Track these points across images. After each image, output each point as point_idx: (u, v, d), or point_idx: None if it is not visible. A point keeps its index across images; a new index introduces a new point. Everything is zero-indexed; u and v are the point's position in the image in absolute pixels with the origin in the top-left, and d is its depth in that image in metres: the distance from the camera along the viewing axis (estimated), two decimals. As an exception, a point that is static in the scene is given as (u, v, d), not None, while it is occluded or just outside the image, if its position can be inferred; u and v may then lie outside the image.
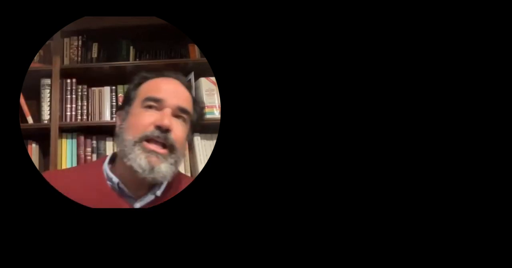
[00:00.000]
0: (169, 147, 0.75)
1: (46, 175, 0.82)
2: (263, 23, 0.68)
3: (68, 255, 0.61)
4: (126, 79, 1.86)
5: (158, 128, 0.74)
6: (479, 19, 0.61)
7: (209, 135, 1.76)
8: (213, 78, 1.78)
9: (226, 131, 0.70)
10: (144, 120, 0.76)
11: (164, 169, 0.74)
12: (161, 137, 0.74)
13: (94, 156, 1.80)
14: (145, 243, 0.62)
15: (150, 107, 0.77)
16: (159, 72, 0.85)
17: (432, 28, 0.63)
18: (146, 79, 0.83)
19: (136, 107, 0.79)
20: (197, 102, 0.85)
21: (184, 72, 1.79)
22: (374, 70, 0.64)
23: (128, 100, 0.82)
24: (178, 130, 0.77)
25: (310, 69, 0.66)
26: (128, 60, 1.89)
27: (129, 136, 0.75)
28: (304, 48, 0.66)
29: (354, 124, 0.63)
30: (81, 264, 0.60)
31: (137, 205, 0.78)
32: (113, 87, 1.86)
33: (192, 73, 1.80)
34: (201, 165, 1.70)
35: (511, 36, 0.60)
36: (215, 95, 1.77)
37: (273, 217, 0.62)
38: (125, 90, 0.88)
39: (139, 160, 0.73)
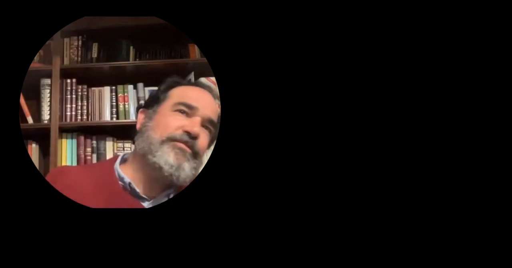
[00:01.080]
0: (194, 153, 0.75)
1: (57, 170, 0.82)
2: (263, 23, 0.68)
3: (68, 255, 0.61)
4: (126, 79, 1.89)
5: (187, 133, 0.74)
6: (479, 19, 0.61)
7: (209, 135, 1.75)
8: (213, 78, 1.78)
9: (226, 131, 0.70)
10: (174, 122, 0.76)
11: (187, 168, 0.74)
12: (189, 142, 0.74)
13: (94, 156, 1.80)
14: (145, 243, 0.62)
15: (181, 111, 0.77)
16: (194, 81, 0.86)
17: (432, 28, 0.63)
18: (177, 84, 0.83)
19: (165, 108, 0.79)
20: (219, 116, 0.84)
21: (184, 72, 1.80)
22: (374, 70, 0.64)
23: (156, 100, 0.81)
24: (204, 139, 0.78)
25: (310, 69, 0.66)
26: (128, 60, 1.90)
27: (156, 134, 0.75)
28: (304, 48, 0.66)
29: (354, 124, 0.63)
30: (81, 264, 0.60)
31: (150, 206, 0.77)
32: (113, 87, 1.86)
33: (192, 73, 1.80)
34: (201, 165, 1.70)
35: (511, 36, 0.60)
36: (215, 95, 1.77)
37: (273, 217, 0.62)
38: (155, 91, 0.87)
39: (167, 156, 0.73)
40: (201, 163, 0.78)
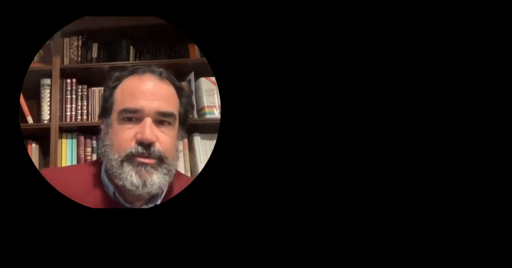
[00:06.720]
0: (157, 158, 0.71)
1: (43, 172, 0.81)
2: (263, 23, 0.68)
3: (67, 255, 0.61)
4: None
5: (140, 143, 0.70)
6: (479, 19, 0.61)
7: (209, 135, 1.76)
8: (213, 78, 1.78)
9: (226, 131, 0.70)
10: (124, 136, 0.71)
11: (157, 180, 0.71)
12: (145, 152, 0.70)
13: (94, 156, 1.80)
14: (145, 243, 0.62)
15: (128, 119, 0.72)
16: (132, 69, 0.78)
17: (432, 28, 0.63)
18: (120, 79, 0.77)
19: (114, 120, 0.74)
20: (182, 91, 0.79)
21: (184, 72, 1.80)
22: (373, 70, 0.64)
23: (106, 109, 0.76)
24: (164, 138, 0.72)
25: (310, 69, 0.66)
26: (128, 60, 1.89)
27: (114, 155, 0.72)
28: (304, 48, 0.66)
29: (354, 124, 0.63)
30: (80, 264, 0.60)
31: None
32: (113, 87, 1.86)
33: (192, 73, 1.80)
34: (201, 165, 1.70)
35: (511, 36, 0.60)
36: (215, 95, 1.77)
37: (273, 217, 0.62)
38: (102, 94, 0.81)
39: (130, 177, 0.70)
40: (174, 161, 0.75)
